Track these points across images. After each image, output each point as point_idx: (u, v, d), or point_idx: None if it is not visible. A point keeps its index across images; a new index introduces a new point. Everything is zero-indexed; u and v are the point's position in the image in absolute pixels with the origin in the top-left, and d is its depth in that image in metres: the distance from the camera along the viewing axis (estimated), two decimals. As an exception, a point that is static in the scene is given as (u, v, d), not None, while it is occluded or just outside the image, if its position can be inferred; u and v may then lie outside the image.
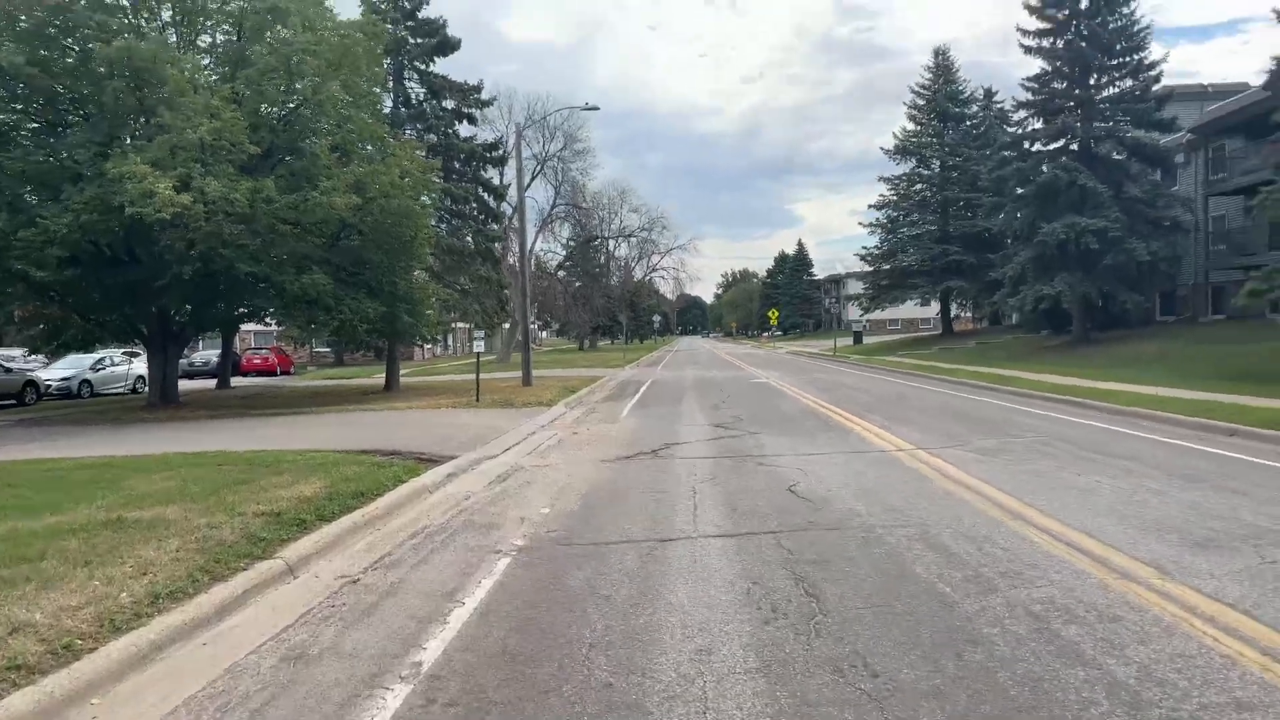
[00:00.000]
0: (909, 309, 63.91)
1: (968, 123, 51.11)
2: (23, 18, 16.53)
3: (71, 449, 12.35)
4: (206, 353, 39.28)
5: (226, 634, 4.66)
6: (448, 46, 29.78)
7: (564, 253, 63.72)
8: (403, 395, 22.08)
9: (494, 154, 33.47)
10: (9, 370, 24.28)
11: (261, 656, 4.33)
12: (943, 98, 50.74)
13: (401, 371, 27.13)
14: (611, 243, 71.51)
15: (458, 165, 30.85)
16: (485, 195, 33.06)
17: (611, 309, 70.01)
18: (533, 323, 41.48)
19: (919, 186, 51.20)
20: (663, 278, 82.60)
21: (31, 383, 24.29)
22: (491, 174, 35.28)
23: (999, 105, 51.11)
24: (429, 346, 55.81)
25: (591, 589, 5.16)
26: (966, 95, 51.96)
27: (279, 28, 19.96)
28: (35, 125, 18.36)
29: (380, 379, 27.83)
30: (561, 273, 65.28)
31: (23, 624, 4.24)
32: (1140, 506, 6.91)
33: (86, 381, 27.03)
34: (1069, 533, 6.06)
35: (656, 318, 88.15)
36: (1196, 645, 3.93)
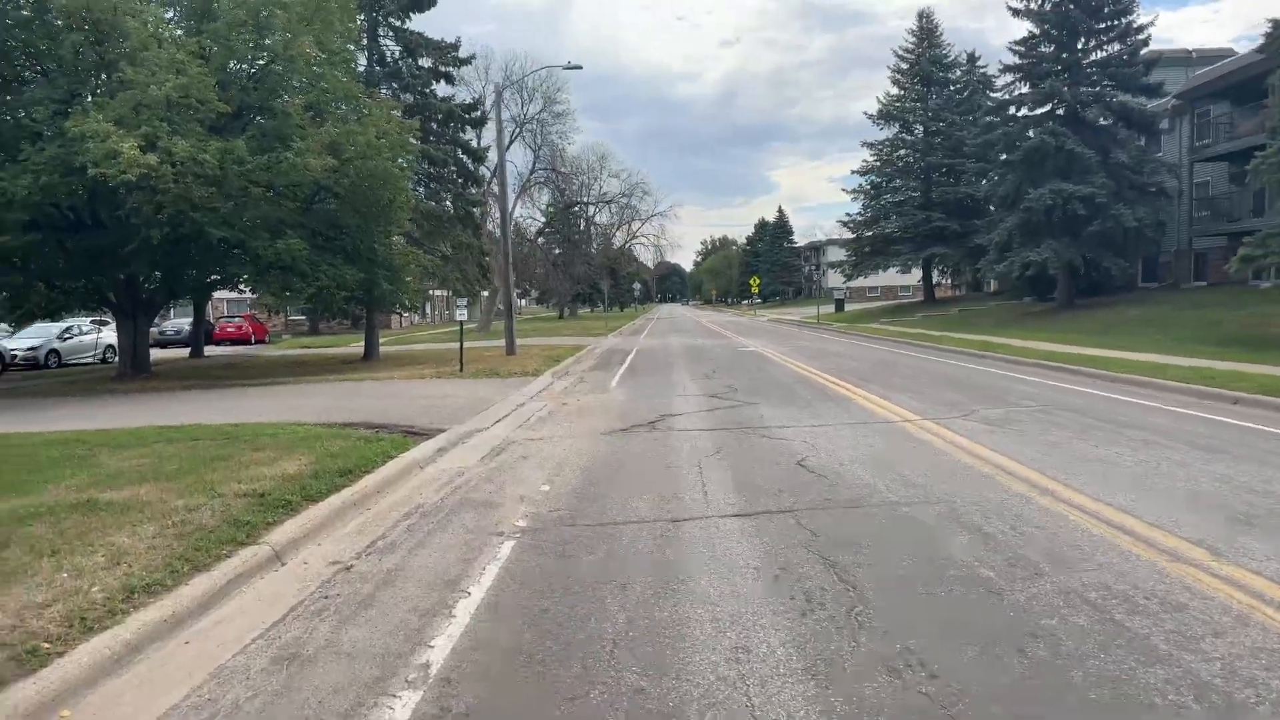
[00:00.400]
0: (889, 276, 63.79)
1: (951, 88, 50.62)
2: (-30, -36, 15.50)
3: (39, 422, 11.75)
4: (178, 321, 38.27)
5: (211, 631, 4.25)
6: (424, 2, 28.67)
7: (543, 219, 62.81)
8: (383, 365, 21.52)
9: (472, 115, 32.48)
10: (-30, 340, 23.34)
11: (250, 657, 3.93)
12: (926, 61, 50.14)
13: (380, 340, 26.51)
14: (591, 209, 70.57)
15: (435, 126, 29.90)
16: (464, 158, 32.16)
17: (592, 276, 69.27)
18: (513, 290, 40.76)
19: (902, 152, 50.78)
20: (643, 244, 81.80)
21: (-5, 353, 23.39)
22: (470, 136, 34.34)
23: (982, 70, 50.73)
24: (406, 315, 54.95)
25: (606, 576, 4.80)
26: (950, 59, 51.38)
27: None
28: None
29: (358, 348, 27.19)
30: (541, 239, 64.37)
31: (-20, 626, 3.80)
32: (1168, 480, 6.66)
33: (54, 351, 26.11)
34: (1103, 509, 5.78)
35: (637, 285, 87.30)
36: (1276, 638, 3.64)
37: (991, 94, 41.45)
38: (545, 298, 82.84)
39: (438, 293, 53.20)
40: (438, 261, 26.24)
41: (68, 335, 27.01)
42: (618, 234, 78.23)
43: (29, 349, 25.37)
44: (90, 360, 27.35)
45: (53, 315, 22.23)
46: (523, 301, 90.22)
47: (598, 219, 73.99)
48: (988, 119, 38.79)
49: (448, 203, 30.45)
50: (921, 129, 49.94)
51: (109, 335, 26.76)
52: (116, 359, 22.34)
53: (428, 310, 67.21)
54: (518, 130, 50.07)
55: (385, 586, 4.83)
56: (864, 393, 13.02)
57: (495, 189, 40.40)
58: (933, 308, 49.39)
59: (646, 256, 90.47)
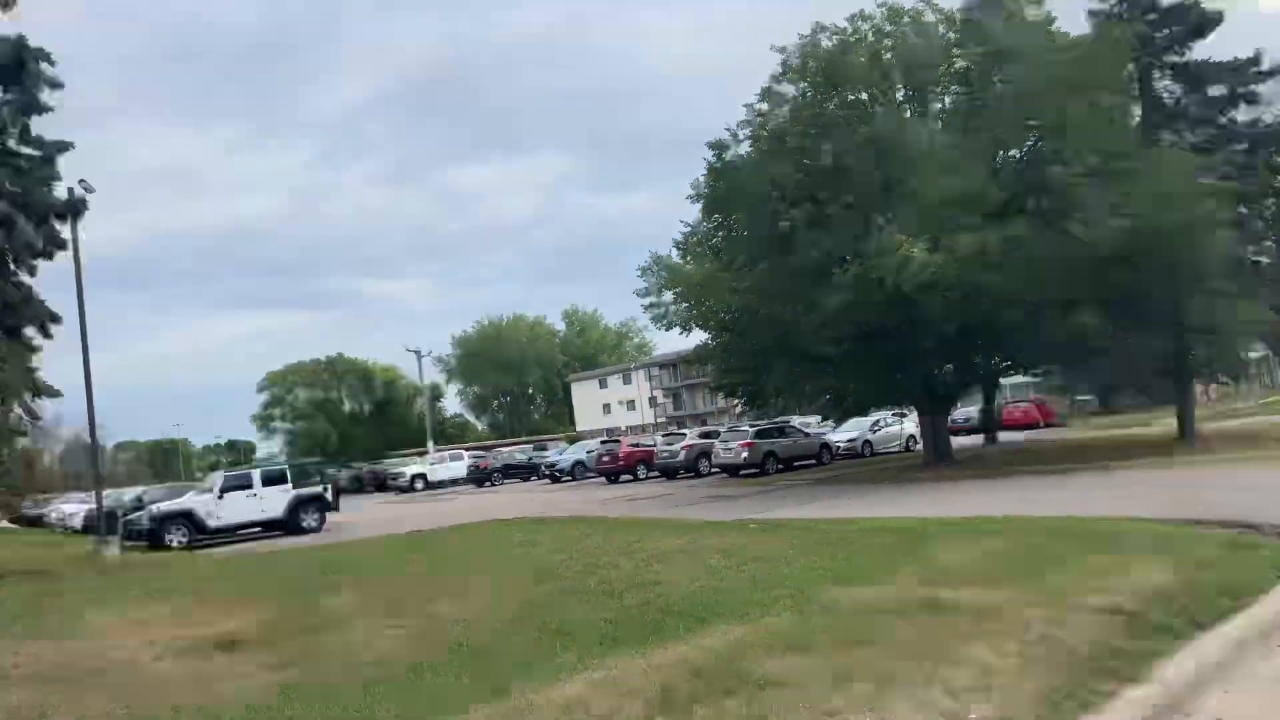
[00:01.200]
0: None
1: None
2: (789, 136, 19.31)
3: (856, 508, 12.97)
4: (966, 409, 39.71)
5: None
6: (1205, 26, 24.45)
7: None
8: (1206, 446, 17.86)
9: (1288, 131, 25.92)
10: (807, 435, 28.45)
11: None
12: None
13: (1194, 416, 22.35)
14: None
15: (1238, 158, 24.74)
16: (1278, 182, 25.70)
17: None
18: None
19: None
20: None
21: (825, 445, 27.96)
22: (1282, 159, 27.38)
23: None
24: (1212, 386, 46.15)
25: None
26: None
27: (1005, 69, 19.06)
28: (807, 227, 21.25)
29: (1163, 427, 23.52)
30: None
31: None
32: None
33: (867, 442, 29.80)
34: None
35: None
36: None
37: None
38: None
39: (1254, 354, 43.39)
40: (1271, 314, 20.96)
41: (877, 427, 30.56)
42: None
43: (848, 440, 29.55)
44: (896, 449, 30.29)
45: (861, 411, 25.50)
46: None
47: None
48: None
49: (1269, 241, 24.63)
50: None
51: (910, 426, 29.22)
52: (918, 447, 24.14)
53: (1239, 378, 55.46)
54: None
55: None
56: None
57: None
58: None
59: None
